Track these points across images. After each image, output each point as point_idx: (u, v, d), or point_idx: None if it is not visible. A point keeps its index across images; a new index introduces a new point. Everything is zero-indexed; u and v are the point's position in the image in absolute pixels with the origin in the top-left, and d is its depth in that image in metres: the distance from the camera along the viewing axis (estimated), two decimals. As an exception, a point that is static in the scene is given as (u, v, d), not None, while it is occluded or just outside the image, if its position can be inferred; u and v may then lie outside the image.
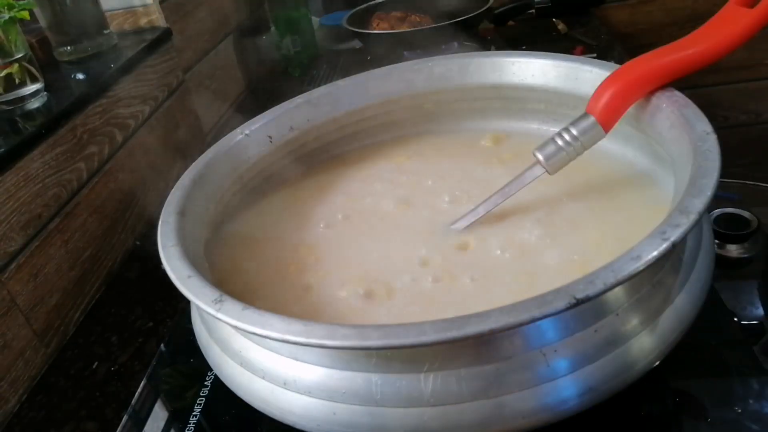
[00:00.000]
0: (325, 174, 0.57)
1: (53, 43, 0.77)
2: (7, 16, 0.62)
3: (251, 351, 0.37)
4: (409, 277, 0.42)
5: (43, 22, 0.76)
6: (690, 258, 0.37)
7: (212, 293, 0.34)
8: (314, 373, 0.34)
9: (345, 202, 0.53)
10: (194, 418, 0.45)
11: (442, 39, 1.03)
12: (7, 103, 0.64)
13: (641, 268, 0.29)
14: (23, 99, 0.64)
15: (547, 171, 0.44)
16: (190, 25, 0.94)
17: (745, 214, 0.52)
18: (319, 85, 0.56)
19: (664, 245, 0.30)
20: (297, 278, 0.45)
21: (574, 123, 0.43)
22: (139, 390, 0.49)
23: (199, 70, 0.95)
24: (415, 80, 0.56)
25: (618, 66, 0.44)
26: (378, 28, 1.04)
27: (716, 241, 0.50)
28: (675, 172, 0.38)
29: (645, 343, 0.34)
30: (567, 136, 0.43)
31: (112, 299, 0.65)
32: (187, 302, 0.38)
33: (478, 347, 0.32)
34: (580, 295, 0.28)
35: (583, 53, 0.96)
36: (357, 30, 1.05)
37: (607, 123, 0.42)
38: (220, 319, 0.33)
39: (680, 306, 0.35)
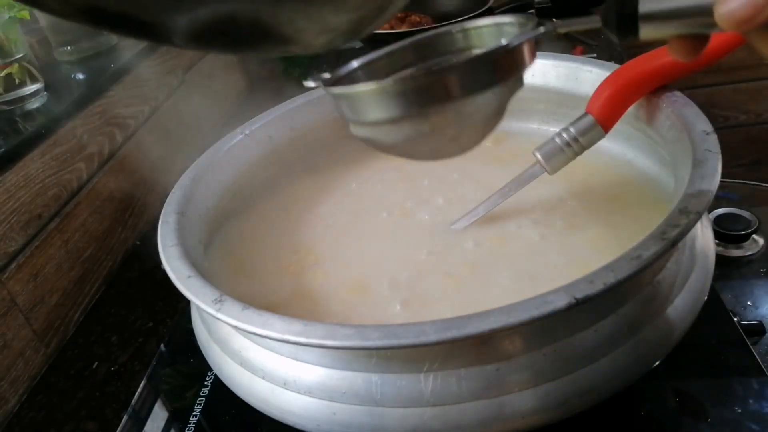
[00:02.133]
0: (325, 174, 0.57)
1: (53, 43, 0.77)
2: (7, 16, 0.62)
3: (251, 351, 0.37)
4: (409, 277, 0.42)
5: (43, 22, 0.76)
6: (690, 258, 0.37)
7: (212, 293, 0.34)
8: (314, 373, 0.34)
9: (345, 203, 0.53)
10: (194, 418, 0.45)
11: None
12: (7, 103, 0.64)
13: (641, 268, 0.29)
14: (23, 99, 0.64)
15: (546, 171, 0.44)
16: (190, 25, 0.94)
17: (745, 214, 0.52)
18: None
19: (664, 245, 0.30)
20: (297, 278, 0.45)
21: (573, 123, 0.43)
22: (139, 390, 0.49)
23: (199, 70, 0.95)
24: (415, 80, 0.56)
25: (618, 66, 0.44)
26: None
27: (716, 241, 0.49)
28: (675, 172, 0.38)
29: (645, 343, 0.34)
30: (567, 136, 0.43)
31: (112, 299, 0.65)
32: (187, 302, 0.38)
33: (478, 347, 0.32)
34: (580, 295, 0.28)
35: (583, 53, 0.96)
36: (357, 30, 1.05)
37: (606, 123, 0.42)
38: (220, 319, 0.33)
39: (680, 306, 0.35)
